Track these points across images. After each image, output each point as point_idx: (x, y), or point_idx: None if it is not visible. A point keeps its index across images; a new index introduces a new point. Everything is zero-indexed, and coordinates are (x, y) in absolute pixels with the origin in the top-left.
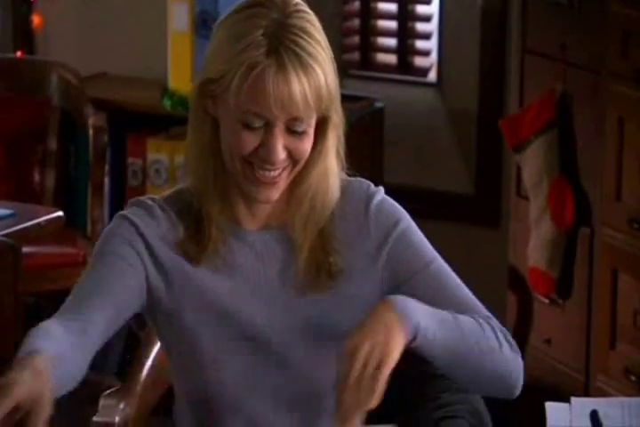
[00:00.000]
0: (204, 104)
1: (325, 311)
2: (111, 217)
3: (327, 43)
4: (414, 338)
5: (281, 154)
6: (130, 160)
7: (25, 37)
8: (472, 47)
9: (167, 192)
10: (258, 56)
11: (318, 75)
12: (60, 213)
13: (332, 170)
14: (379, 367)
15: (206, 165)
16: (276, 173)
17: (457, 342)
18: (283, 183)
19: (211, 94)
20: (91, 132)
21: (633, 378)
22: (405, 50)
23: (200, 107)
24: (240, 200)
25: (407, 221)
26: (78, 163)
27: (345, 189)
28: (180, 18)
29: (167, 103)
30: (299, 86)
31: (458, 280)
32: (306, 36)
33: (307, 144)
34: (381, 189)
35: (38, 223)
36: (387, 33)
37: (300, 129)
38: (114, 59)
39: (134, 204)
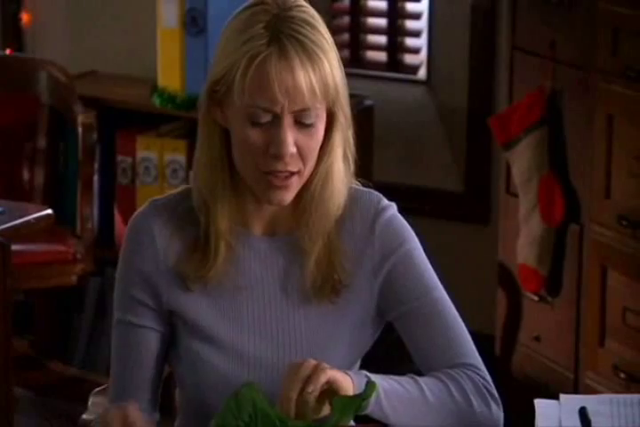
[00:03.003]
0: (212, 114)
1: (322, 324)
2: (100, 214)
3: (331, 38)
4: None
5: (291, 147)
6: (119, 158)
7: (14, 35)
8: (462, 45)
9: (175, 192)
10: (259, 46)
11: (323, 62)
12: (50, 211)
13: (337, 173)
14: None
15: (216, 172)
16: (289, 177)
17: (415, 407)
18: (295, 186)
19: (218, 98)
20: (80, 129)
21: (622, 375)
22: (395, 47)
23: (209, 118)
24: (250, 203)
25: (413, 242)
26: (68, 160)
27: (355, 201)
28: (169, 15)
29: (157, 101)
30: (303, 73)
31: (455, 316)
32: (308, 27)
33: (316, 140)
34: (394, 205)
35: (28, 221)
36: (376, 31)
37: (308, 121)
38: (103, 56)
39: (132, 228)
